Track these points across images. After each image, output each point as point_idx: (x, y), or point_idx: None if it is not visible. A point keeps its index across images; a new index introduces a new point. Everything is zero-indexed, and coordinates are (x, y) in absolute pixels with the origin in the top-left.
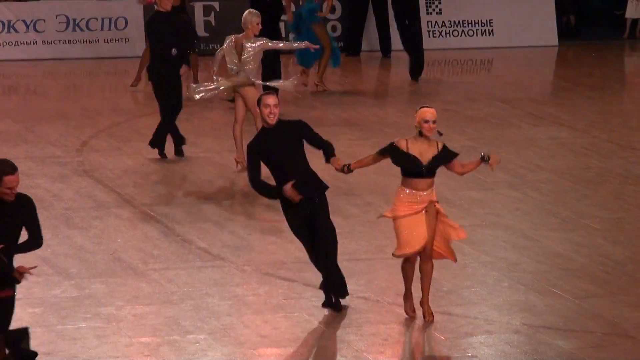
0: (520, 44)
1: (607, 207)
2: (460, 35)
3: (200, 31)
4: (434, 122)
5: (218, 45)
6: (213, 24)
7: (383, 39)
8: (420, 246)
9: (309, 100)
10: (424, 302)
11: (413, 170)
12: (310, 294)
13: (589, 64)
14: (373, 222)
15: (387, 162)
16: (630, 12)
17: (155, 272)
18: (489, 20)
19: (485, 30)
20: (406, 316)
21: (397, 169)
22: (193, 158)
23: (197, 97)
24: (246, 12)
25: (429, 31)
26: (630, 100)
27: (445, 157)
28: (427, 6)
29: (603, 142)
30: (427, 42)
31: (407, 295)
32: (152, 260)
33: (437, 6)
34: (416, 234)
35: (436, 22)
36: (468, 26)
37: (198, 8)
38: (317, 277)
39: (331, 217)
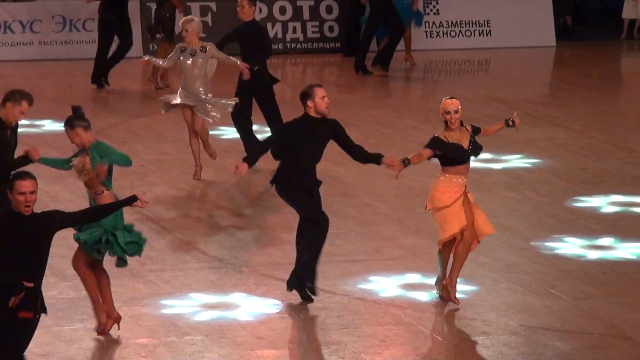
0: (518, 44)
1: (604, 208)
2: (458, 36)
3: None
4: (455, 112)
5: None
6: (210, 24)
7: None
8: (462, 227)
9: None
10: (451, 285)
11: (459, 157)
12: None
13: (586, 64)
14: (370, 223)
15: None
16: (627, 13)
17: (152, 273)
18: (487, 21)
19: (482, 30)
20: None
21: (392, 171)
22: (189, 159)
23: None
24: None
25: (426, 32)
26: (627, 101)
27: (475, 133)
28: (424, 6)
29: (600, 142)
30: (425, 43)
31: (440, 281)
32: (149, 261)
33: (434, 6)
34: (459, 218)
35: (434, 22)
36: (465, 26)
37: (195, 8)
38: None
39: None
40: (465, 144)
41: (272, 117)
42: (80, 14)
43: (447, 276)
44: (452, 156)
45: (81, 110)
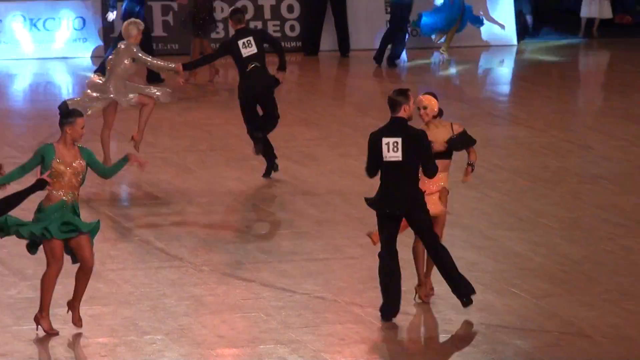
0: (479, 43)
1: (564, 207)
2: (419, 35)
3: (159, 31)
4: (424, 108)
5: (176, 46)
6: (171, 23)
7: (342, 38)
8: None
9: None
10: (426, 276)
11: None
12: (268, 294)
13: (547, 63)
14: (331, 222)
15: (345, 162)
16: (585, 11)
17: (113, 272)
18: None
19: None
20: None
21: (354, 169)
22: (150, 158)
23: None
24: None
25: None
26: (587, 100)
27: (463, 141)
28: (386, 5)
29: (561, 141)
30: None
31: (420, 282)
32: (110, 260)
33: None
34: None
35: None
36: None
37: (156, 7)
38: (274, 277)
39: (289, 216)
40: (440, 141)
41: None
42: (41, 13)
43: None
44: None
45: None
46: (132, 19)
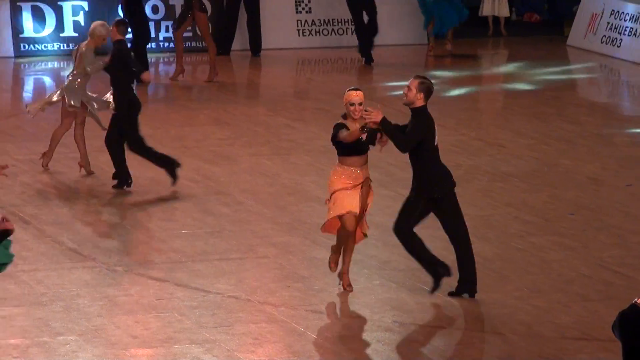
0: (391, 42)
1: (476, 205)
2: (331, 34)
3: (70, 31)
4: (359, 104)
5: None
6: (82, 24)
7: (254, 38)
8: (349, 210)
9: (179, 99)
10: (344, 273)
11: (353, 147)
12: (182, 294)
13: (457, 62)
14: (244, 221)
15: (257, 162)
16: (487, 10)
17: (25, 273)
18: None
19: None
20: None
21: (266, 169)
22: (62, 159)
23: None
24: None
25: (298, 30)
26: (497, 98)
27: (374, 131)
28: (296, 5)
29: (471, 139)
30: (298, 41)
31: (336, 250)
32: (21, 261)
33: (307, 5)
34: (352, 201)
35: (306, 20)
36: (338, 25)
37: (67, 7)
38: (187, 277)
39: (202, 216)
40: (363, 135)
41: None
42: None
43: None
44: (345, 144)
45: None
46: (103, 22)
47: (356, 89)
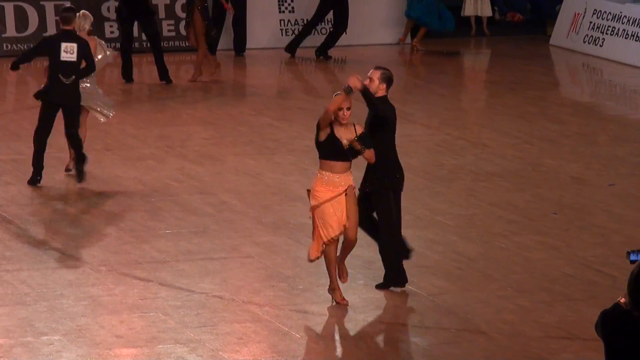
0: (373, 41)
1: (459, 204)
2: (314, 34)
3: (52, 31)
4: (348, 109)
5: None
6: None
7: (239, 38)
8: (341, 228)
9: (163, 100)
10: (340, 261)
11: (333, 152)
12: (166, 294)
13: (441, 62)
14: (228, 221)
15: (241, 161)
16: (470, 10)
17: (8, 273)
18: None
19: None
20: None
21: (250, 168)
22: (46, 159)
23: None
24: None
25: (281, 29)
26: (481, 98)
27: (362, 137)
28: (279, 4)
29: (455, 139)
30: (280, 40)
31: (334, 286)
32: (5, 261)
33: (290, 4)
34: (340, 215)
35: (289, 20)
36: (320, 24)
37: (49, 7)
38: (171, 277)
39: (186, 216)
40: (345, 142)
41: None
42: None
43: (337, 280)
44: (326, 149)
45: None
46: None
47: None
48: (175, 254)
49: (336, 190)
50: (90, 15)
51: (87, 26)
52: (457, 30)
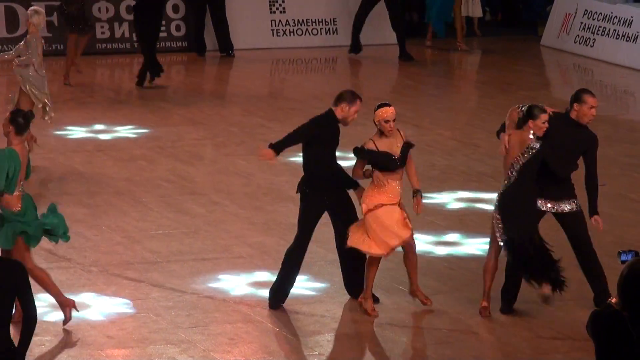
0: (365, 42)
1: (450, 204)
2: (305, 34)
3: (43, 31)
4: (394, 120)
5: (61, 46)
6: (56, 24)
7: (221, 37)
8: (406, 236)
9: (154, 100)
10: (416, 290)
11: (388, 165)
12: (157, 295)
13: (433, 62)
14: (219, 221)
15: (232, 162)
16: (462, 11)
17: None
18: (333, 19)
19: (329, 29)
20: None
21: (242, 169)
22: (37, 159)
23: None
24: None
25: (272, 30)
26: (473, 98)
27: (408, 145)
28: (270, 5)
29: (447, 139)
30: (272, 41)
31: (367, 295)
32: None
33: (280, 5)
34: (399, 223)
35: (280, 20)
36: (312, 25)
37: (40, 8)
38: (163, 277)
39: (177, 216)
40: (396, 151)
41: None
42: None
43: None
44: (379, 165)
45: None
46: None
47: (388, 105)
48: (166, 255)
49: (392, 199)
50: (42, 10)
51: (43, 23)
52: (448, 31)
